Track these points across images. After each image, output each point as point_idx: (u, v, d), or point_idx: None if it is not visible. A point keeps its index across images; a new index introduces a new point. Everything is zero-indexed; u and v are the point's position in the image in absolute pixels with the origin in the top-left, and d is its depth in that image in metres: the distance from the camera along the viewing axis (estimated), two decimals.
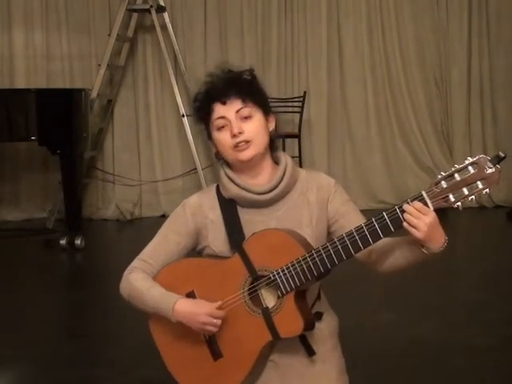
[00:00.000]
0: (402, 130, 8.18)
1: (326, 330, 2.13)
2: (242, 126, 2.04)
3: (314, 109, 8.11)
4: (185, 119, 7.58)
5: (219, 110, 2.05)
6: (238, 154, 2.05)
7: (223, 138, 2.06)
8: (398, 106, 8.16)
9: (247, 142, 2.04)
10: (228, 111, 2.04)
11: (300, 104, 7.86)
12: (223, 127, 2.06)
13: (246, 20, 8.15)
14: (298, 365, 2.08)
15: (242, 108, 2.05)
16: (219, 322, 2.01)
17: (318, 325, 2.06)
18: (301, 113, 7.85)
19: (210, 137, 2.12)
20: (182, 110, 7.58)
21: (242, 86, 2.06)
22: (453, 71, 8.14)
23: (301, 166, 7.45)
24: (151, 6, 7.58)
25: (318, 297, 2.14)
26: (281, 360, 2.08)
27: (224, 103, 2.04)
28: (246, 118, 2.05)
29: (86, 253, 6.47)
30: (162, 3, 7.67)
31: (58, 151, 6.41)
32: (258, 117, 2.07)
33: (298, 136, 7.78)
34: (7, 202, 8.00)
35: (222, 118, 2.05)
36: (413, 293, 4.81)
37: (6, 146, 7.45)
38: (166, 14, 7.68)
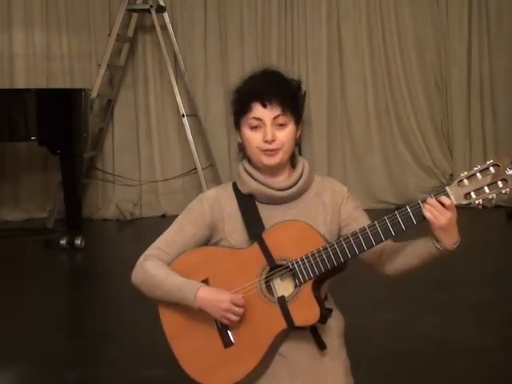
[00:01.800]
0: (402, 130, 8.18)
1: (335, 327, 2.16)
2: (276, 133, 2.07)
3: (314, 109, 8.11)
4: (185, 119, 7.57)
5: (258, 110, 2.07)
6: (264, 158, 2.09)
7: (253, 139, 2.09)
8: (398, 106, 8.17)
9: (276, 149, 2.08)
10: (266, 114, 2.07)
11: None
12: (256, 127, 2.08)
13: (246, 20, 8.15)
14: (307, 360, 2.10)
15: (279, 115, 2.07)
16: (241, 311, 2.03)
17: (328, 322, 2.09)
18: None
19: (237, 128, 2.14)
20: (182, 110, 7.58)
21: (285, 94, 2.09)
22: (453, 71, 8.14)
23: None
24: (151, 6, 7.59)
25: (326, 297, 2.16)
26: (290, 354, 2.10)
27: (264, 106, 2.07)
28: (281, 125, 2.08)
29: (85, 253, 6.47)
30: (161, 3, 7.67)
31: (58, 151, 6.41)
32: (291, 126, 2.10)
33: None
34: (7, 202, 8.01)
35: (259, 119, 2.07)
36: (413, 292, 4.81)
37: (6, 146, 7.46)
38: (165, 14, 7.68)
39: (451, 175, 8.06)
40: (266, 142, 2.07)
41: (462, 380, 3.57)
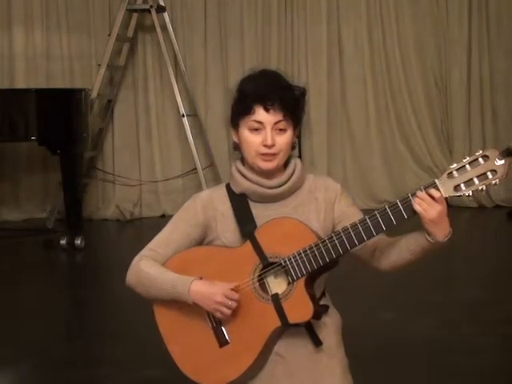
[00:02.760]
0: (401, 130, 8.18)
1: (331, 325, 2.15)
2: (276, 137, 2.08)
3: (314, 109, 8.11)
4: (185, 119, 7.58)
5: (259, 113, 2.07)
6: (260, 163, 2.08)
7: (252, 141, 2.09)
8: (397, 106, 8.17)
9: (274, 154, 2.08)
10: (267, 119, 2.07)
11: None
12: (256, 130, 2.08)
13: (246, 20, 8.15)
14: (304, 359, 2.10)
15: (281, 121, 2.08)
16: (234, 304, 2.03)
17: (324, 319, 2.09)
18: None
19: (234, 126, 2.13)
20: (182, 110, 7.58)
21: (289, 100, 2.09)
22: (453, 71, 8.15)
23: None
24: (151, 6, 7.59)
25: (323, 294, 2.16)
26: (287, 353, 2.10)
27: (267, 110, 2.07)
28: (281, 130, 2.09)
29: (85, 253, 6.47)
30: (161, 3, 7.68)
31: (58, 151, 6.41)
32: (289, 132, 2.11)
33: (298, 136, 7.75)
34: (7, 201, 8.01)
35: (260, 123, 2.07)
36: (413, 291, 4.82)
37: (6, 146, 7.46)
38: (165, 14, 7.69)
39: None
40: (266, 146, 2.07)
41: (461, 378, 3.57)
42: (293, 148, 2.15)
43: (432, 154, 8.16)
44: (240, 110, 2.10)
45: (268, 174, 2.12)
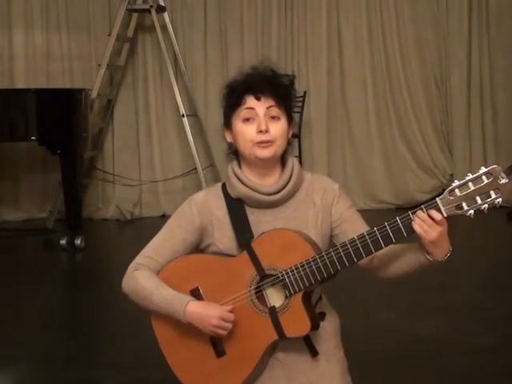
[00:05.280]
0: (401, 130, 8.18)
1: (329, 328, 2.14)
2: (270, 125, 2.06)
3: (314, 109, 8.11)
4: (185, 119, 7.58)
5: (251, 102, 2.06)
6: (257, 151, 2.06)
7: (247, 131, 2.07)
8: (398, 106, 8.17)
9: (270, 141, 2.06)
10: (259, 106, 2.06)
11: (300, 104, 7.86)
12: (249, 120, 2.07)
13: (246, 20, 8.16)
14: (303, 363, 2.09)
15: (272, 106, 2.06)
16: (230, 325, 2.01)
17: (321, 324, 2.07)
18: (301, 113, 7.84)
19: (227, 126, 2.12)
20: (182, 110, 7.59)
21: (279, 87, 2.08)
22: (453, 71, 8.15)
23: (301, 166, 7.45)
24: (151, 6, 7.59)
25: (320, 298, 2.15)
26: (286, 358, 2.09)
27: (258, 98, 2.06)
28: (274, 117, 2.07)
29: (85, 253, 6.47)
30: (161, 3, 7.68)
31: (58, 151, 6.41)
32: (283, 121, 2.09)
33: (297, 136, 7.77)
34: (7, 201, 8.01)
35: (252, 109, 2.06)
36: (413, 292, 4.81)
37: (6, 146, 7.46)
38: (165, 14, 7.69)
39: (451, 175, 8.06)
40: (260, 132, 2.04)
41: (463, 379, 3.57)
42: (288, 143, 2.13)
43: (432, 154, 8.16)
44: (231, 102, 2.09)
45: (265, 169, 2.09)
